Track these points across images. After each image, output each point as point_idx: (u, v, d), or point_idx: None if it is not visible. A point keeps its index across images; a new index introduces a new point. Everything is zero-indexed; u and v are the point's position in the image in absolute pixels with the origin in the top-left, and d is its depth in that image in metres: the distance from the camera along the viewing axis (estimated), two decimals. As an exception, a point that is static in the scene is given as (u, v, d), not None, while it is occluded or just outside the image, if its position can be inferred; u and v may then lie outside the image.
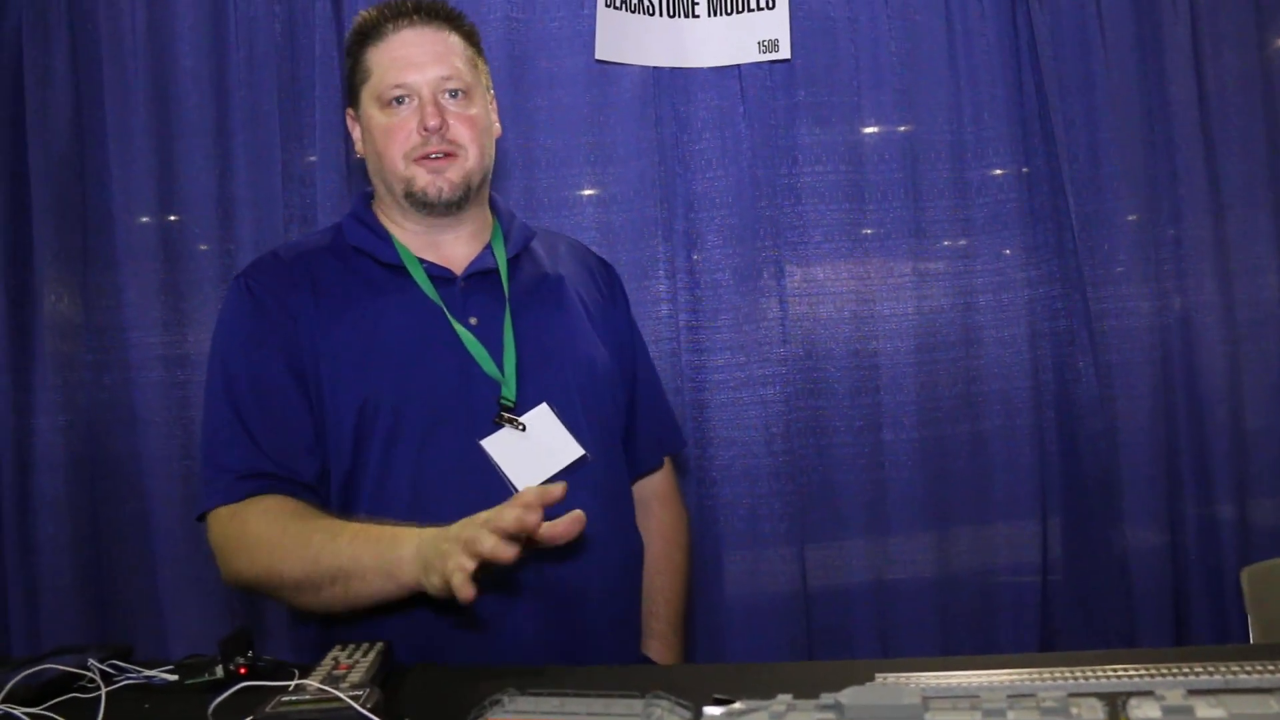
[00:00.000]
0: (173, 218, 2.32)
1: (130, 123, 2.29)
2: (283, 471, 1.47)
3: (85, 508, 2.28)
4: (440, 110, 1.53)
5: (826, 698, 0.87)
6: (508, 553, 1.14)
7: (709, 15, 2.32)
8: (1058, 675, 1.01)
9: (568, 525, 1.20)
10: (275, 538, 1.41)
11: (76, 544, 2.26)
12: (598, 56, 2.29)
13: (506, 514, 1.16)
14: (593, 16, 2.28)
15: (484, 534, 1.15)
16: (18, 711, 1.09)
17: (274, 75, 2.30)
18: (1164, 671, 0.99)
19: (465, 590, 1.14)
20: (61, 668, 1.23)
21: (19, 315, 2.27)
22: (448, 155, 1.55)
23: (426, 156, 1.54)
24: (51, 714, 1.10)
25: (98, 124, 2.30)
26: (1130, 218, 2.37)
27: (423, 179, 1.54)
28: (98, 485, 2.29)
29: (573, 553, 1.48)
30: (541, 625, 1.46)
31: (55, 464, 2.25)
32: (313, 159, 2.30)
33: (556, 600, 1.45)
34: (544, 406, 1.53)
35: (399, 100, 1.55)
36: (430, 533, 1.28)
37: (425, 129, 1.52)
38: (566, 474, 1.50)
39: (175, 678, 1.24)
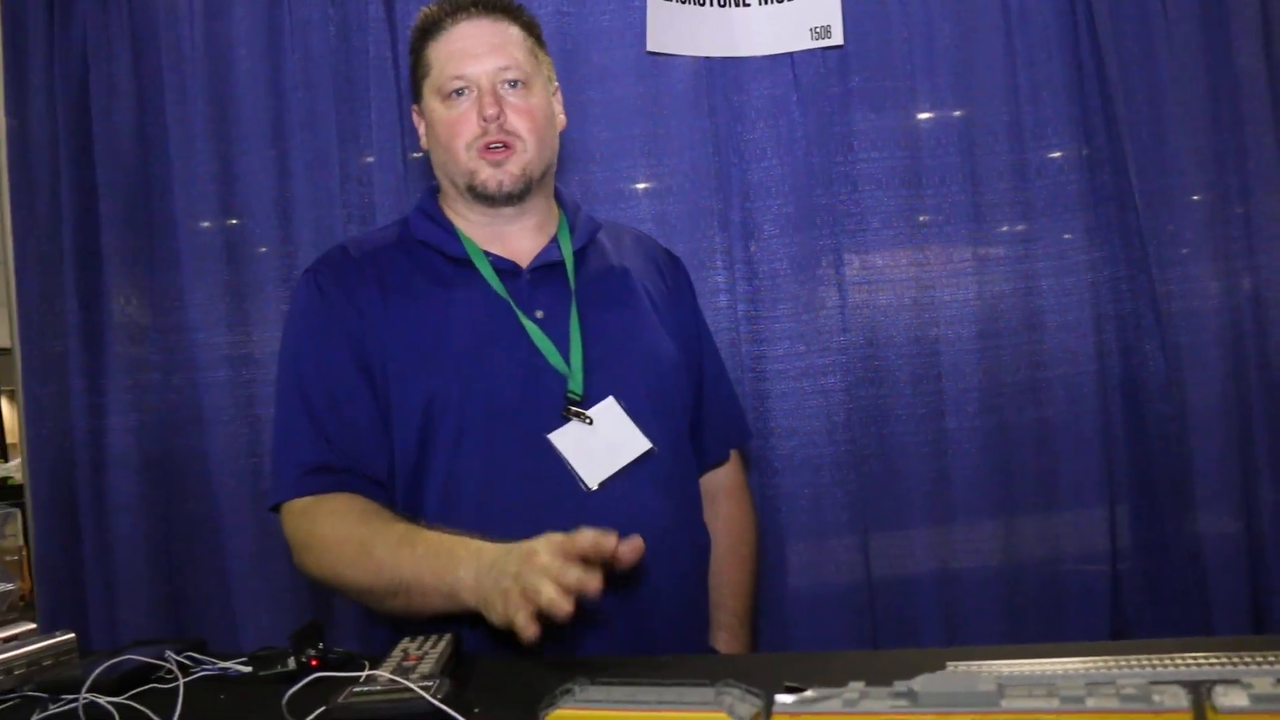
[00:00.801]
0: (233, 221, 2.36)
1: (191, 129, 2.33)
2: (352, 464, 1.49)
3: (157, 505, 2.33)
4: (498, 99, 1.54)
5: (900, 685, 0.86)
6: (565, 607, 1.14)
7: (760, 3, 2.31)
8: (1135, 663, 0.99)
9: (630, 550, 1.21)
10: (340, 543, 1.42)
11: (150, 540, 2.32)
12: (649, 48, 2.28)
13: (583, 539, 1.18)
14: (643, 8, 2.27)
15: (544, 583, 1.15)
16: (102, 700, 1.12)
17: (329, 78, 2.33)
18: (1247, 660, 0.97)
19: (528, 634, 1.15)
20: (140, 659, 1.26)
21: (90, 319, 2.33)
22: (506, 146, 1.55)
23: (488, 148, 1.55)
24: (133, 703, 1.13)
25: (160, 132, 2.35)
26: (1196, 197, 2.31)
27: (484, 172, 1.56)
28: (168, 483, 2.34)
29: (645, 544, 1.49)
30: (608, 616, 1.45)
31: (128, 463, 2.31)
32: (369, 159, 2.32)
33: (624, 592, 1.45)
34: (610, 400, 1.53)
35: (459, 92, 1.56)
36: (489, 558, 1.27)
37: (484, 118, 1.53)
38: (633, 467, 1.51)
39: (249, 669, 1.26)
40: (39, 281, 2.32)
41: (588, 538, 1.18)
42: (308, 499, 1.49)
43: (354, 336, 1.53)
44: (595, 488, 1.48)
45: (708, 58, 2.31)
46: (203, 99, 2.33)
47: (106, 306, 2.33)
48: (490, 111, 1.53)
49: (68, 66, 2.33)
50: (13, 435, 9.35)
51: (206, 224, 2.34)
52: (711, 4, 2.31)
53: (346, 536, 1.42)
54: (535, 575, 1.17)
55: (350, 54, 2.34)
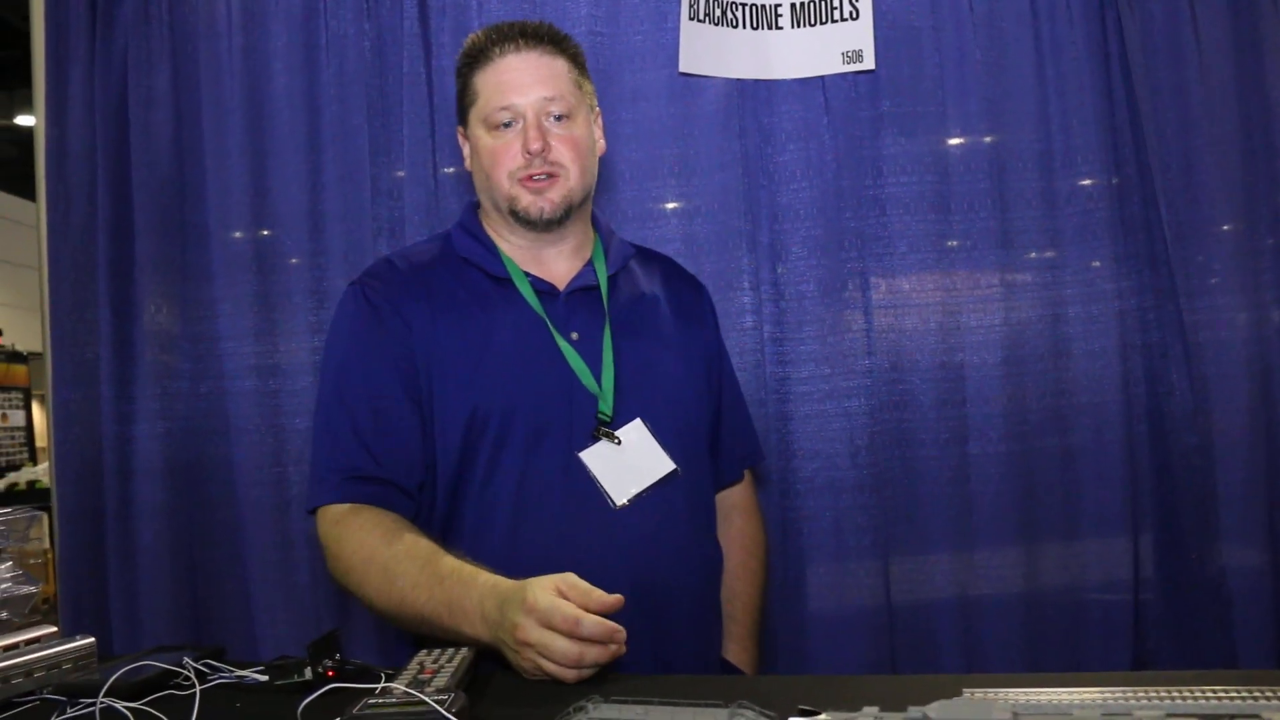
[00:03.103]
0: (265, 232, 2.38)
1: (226, 142, 2.36)
2: (388, 475, 1.51)
3: (181, 513, 2.35)
4: (543, 133, 1.58)
5: (914, 711, 0.86)
6: (570, 678, 1.19)
7: (792, 27, 2.32)
8: (1154, 695, 0.98)
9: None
10: (365, 565, 1.45)
11: (173, 548, 2.33)
12: (681, 69, 2.30)
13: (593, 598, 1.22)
14: (676, 30, 2.29)
15: (548, 665, 1.20)
16: (119, 705, 1.13)
17: (363, 92, 2.35)
18: (1269, 695, 0.96)
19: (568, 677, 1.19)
20: (159, 665, 1.27)
21: (121, 327, 2.35)
22: (550, 176, 1.59)
23: (530, 178, 1.58)
24: (149, 709, 1.14)
25: (196, 143, 2.38)
26: (1225, 227, 2.30)
27: (525, 199, 1.59)
28: (193, 491, 2.36)
29: (669, 560, 1.54)
30: (637, 627, 1.48)
31: (154, 470, 2.33)
32: (400, 174, 2.34)
33: (646, 603, 1.49)
34: (638, 421, 1.58)
35: (505, 123, 1.59)
36: (492, 615, 1.29)
37: (528, 151, 1.57)
38: (657, 486, 1.55)
39: (266, 678, 1.27)
40: (72, 288, 2.34)
41: (568, 614, 1.20)
42: (343, 508, 1.51)
43: (401, 349, 1.56)
44: (622, 505, 1.52)
45: (739, 80, 2.32)
46: (238, 111, 2.36)
47: (138, 314, 2.35)
48: (535, 146, 1.57)
49: (108, 77, 2.37)
50: (42, 440, 9.44)
51: (239, 234, 2.37)
52: (744, 26, 2.32)
53: (371, 559, 1.44)
54: (535, 657, 1.21)
55: (384, 69, 2.36)
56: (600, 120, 1.73)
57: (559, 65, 1.63)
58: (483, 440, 1.52)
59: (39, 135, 2.37)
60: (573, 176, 1.61)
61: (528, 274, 1.62)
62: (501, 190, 1.60)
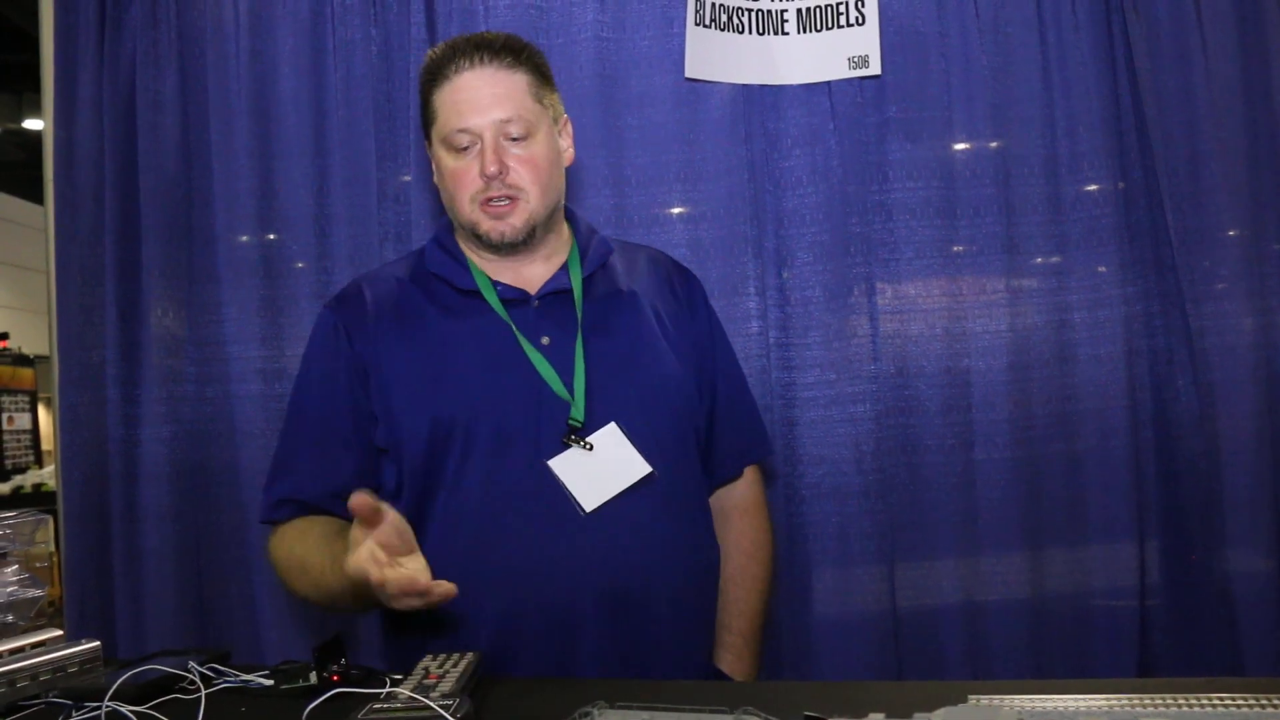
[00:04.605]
0: (272, 236, 2.38)
1: (233, 145, 2.37)
2: (323, 505, 1.58)
3: (187, 517, 2.35)
4: (500, 155, 1.56)
5: (920, 717, 0.86)
6: (373, 573, 1.24)
7: (799, 32, 2.32)
8: (1160, 702, 0.98)
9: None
10: (288, 565, 1.57)
11: (179, 551, 2.34)
12: (687, 74, 2.30)
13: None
14: (682, 35, 2.29)
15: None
16: (124, 709, 1.13)
17: (370, 96, 2.36)
18: (1277, 702, 0.95)
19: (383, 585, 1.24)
20: (164, 669, 1.27)
21: (128, 330, 2.36)
22: (510, 199, 1.58)
23: (489, 202, 1.57)
24: (154, 713, 1.14)
25: (203, 146, 2.38)
26: (1232, 233, 2.29)
27: (486, 224, 1.59)
28: (199, 495, 2.36)
29: (640, 564, 1.52)
30: (607, 633, 1.50)
31: (159, 474, 2.33)
32: (407, 178, 2.35)
33: (616, 609, 1.50)
34: (612, 425, 1.56)
35: (464, 146, 1.58)
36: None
37: (485, 175, 1.56)
38: (633, 491, 1.53)
39: (271, 682, 1.28)
40: (79, 291, 2.35)
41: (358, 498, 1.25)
42: (279, 527, 1.62)
43: (357, 381, 1.59)
44: (591, 511, 1.51)
45: (745, 85, 2.32)
46: (246, 115, 2.37)
47: (145, 318, 2.36)
48: (492, 169, 1.55)
49: (116, 80, 2.37)
50: (48, 443, 9.46)
51: (245, 238, 2.38)
52: (750, 32, 2.32)
53: (289, 556, 1.56)
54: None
55: (391, 74, 2.37)
56: (569, 128, 1.71)
57: (517, 80, 1.59)
58: (447, 450, 1.53)
59: (47, 138, 2.38)
60: (533, 198, 1.59)
61: (498, 282, 1.61)
62: (463, 214, 1.60)
